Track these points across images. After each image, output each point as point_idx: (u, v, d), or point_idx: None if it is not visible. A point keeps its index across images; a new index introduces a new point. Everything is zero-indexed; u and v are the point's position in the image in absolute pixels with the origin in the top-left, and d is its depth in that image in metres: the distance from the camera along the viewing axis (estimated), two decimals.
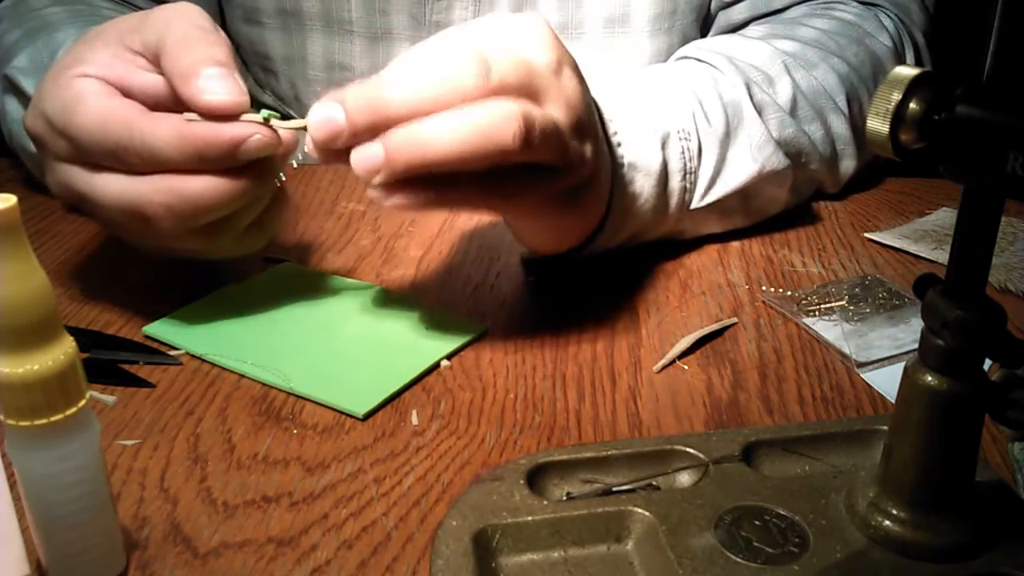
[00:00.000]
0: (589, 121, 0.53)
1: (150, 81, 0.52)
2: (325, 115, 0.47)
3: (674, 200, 0.62)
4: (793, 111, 0.67)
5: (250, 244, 0.57)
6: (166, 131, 0.48)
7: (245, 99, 0.49)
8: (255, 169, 0.50)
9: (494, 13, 0.54)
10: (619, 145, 0.59)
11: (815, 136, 0.69)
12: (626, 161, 0.59)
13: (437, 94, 0.47)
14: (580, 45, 0.80)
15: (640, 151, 0.59)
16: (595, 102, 0.58)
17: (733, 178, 0.64)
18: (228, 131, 0.48)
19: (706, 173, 0.63)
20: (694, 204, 0.63)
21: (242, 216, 0.53)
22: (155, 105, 0.51)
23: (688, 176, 0.62)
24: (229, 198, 0.50)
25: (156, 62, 0.51)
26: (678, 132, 0.61)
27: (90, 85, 0.51)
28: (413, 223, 0.71)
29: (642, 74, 0.66)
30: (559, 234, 0.59)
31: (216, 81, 0.48)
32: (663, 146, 0.60)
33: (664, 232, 0.64)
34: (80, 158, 0.51)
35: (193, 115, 0.49)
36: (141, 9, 0.83)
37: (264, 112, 0.49)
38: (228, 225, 0.52)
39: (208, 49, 0.50)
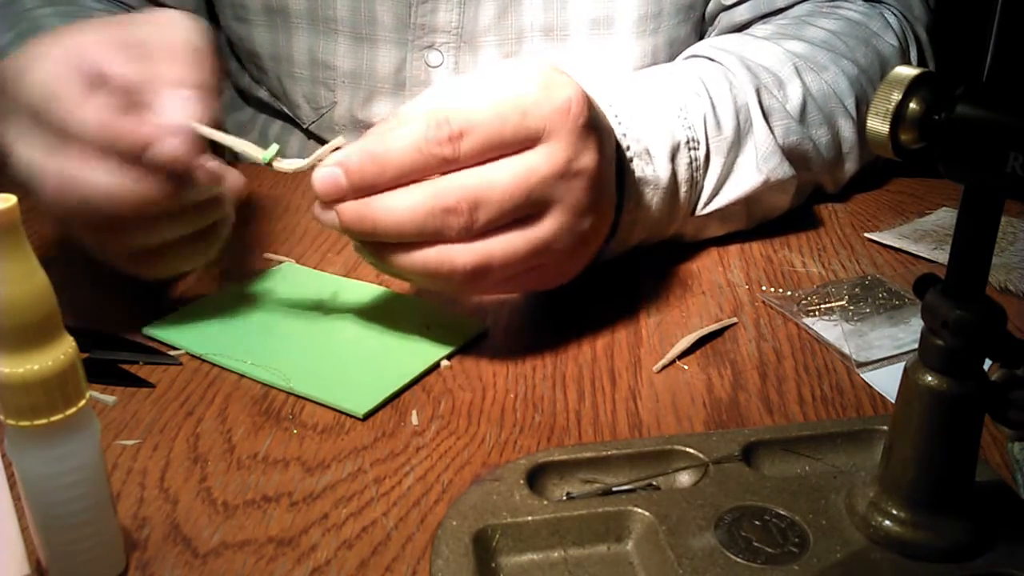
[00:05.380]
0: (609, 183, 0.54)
1: (130, 72, 0.51)
2: (330, 176, 0.48)
3: (680, 210, 0.62)
4: (802, 116, 0.67)
5: (184, 264, 0.56)
6: (92, 109, 0.47)
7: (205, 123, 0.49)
8: (164, 186, 0.49)
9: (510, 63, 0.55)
10: (631, 160, 0.58)
11: (821, 141, 0.68)
12: (637, 176, 0.58)
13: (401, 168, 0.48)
14: (566, 47, 0.79)
15: (650, 166, 0.59)
16: (609, 105, 0.58)
17: (737, 188, 0.64)
18: (145, 128, 0.47)
19: (711, 182, 0.63)
20: (697, 211, 0.64)
21: (139, 235, 0.51)
22: (127, 102, 0.50)
23: (695, 186, 0.62)
24: (120, 198, 0.48)
25: (140, 59, 0.50)
26: (688, 143, 0.61)
27: (56, 51, 0.50)
28: None
29: (656, 73, 0.65)
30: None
31: (181, 101, 0.48)
32: (672, 158, 0.60)
33: (665, 237, 0.64)
34: (26, 117, 0.50)
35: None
36: (134, 9, 0.83)
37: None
38: (129, 236, 0.51)
39: (190, 69, 0.50)
